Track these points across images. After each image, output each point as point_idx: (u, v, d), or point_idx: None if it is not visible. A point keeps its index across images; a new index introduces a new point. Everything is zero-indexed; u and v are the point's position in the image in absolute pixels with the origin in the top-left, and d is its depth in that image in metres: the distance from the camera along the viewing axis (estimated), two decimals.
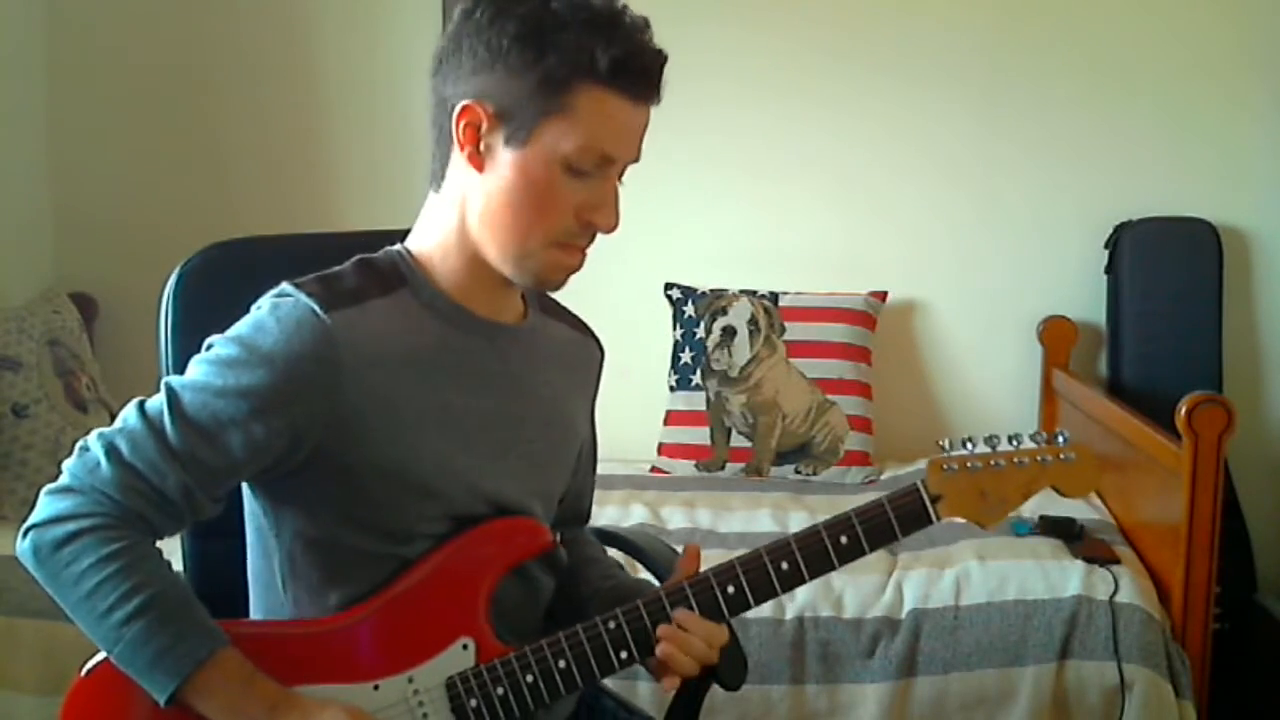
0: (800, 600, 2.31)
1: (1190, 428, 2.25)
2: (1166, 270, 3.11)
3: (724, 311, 3.13)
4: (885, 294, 3.21)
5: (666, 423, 3.16)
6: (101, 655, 1.27)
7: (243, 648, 1.28)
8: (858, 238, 3.27)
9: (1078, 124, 3.18)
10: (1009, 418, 3.26)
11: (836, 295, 3.17)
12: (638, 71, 1.27)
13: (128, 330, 3.26)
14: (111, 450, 1.25)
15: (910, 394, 3.29)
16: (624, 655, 1.34)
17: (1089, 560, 2.37)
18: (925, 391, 3.31)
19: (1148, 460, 2.48)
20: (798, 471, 3.06)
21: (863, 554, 1.37)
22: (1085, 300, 3.22)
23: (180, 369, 1.53)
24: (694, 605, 1.34)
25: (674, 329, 3.19)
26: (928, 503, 1.37)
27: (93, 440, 1.27)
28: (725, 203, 3.27)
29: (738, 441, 3.10)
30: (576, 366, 1.52)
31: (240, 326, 1.29)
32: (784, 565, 1.36)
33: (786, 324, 3.12)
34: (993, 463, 1.38)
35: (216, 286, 1.57)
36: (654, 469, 3.13)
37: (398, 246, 1.39)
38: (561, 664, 1.32)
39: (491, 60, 1.26)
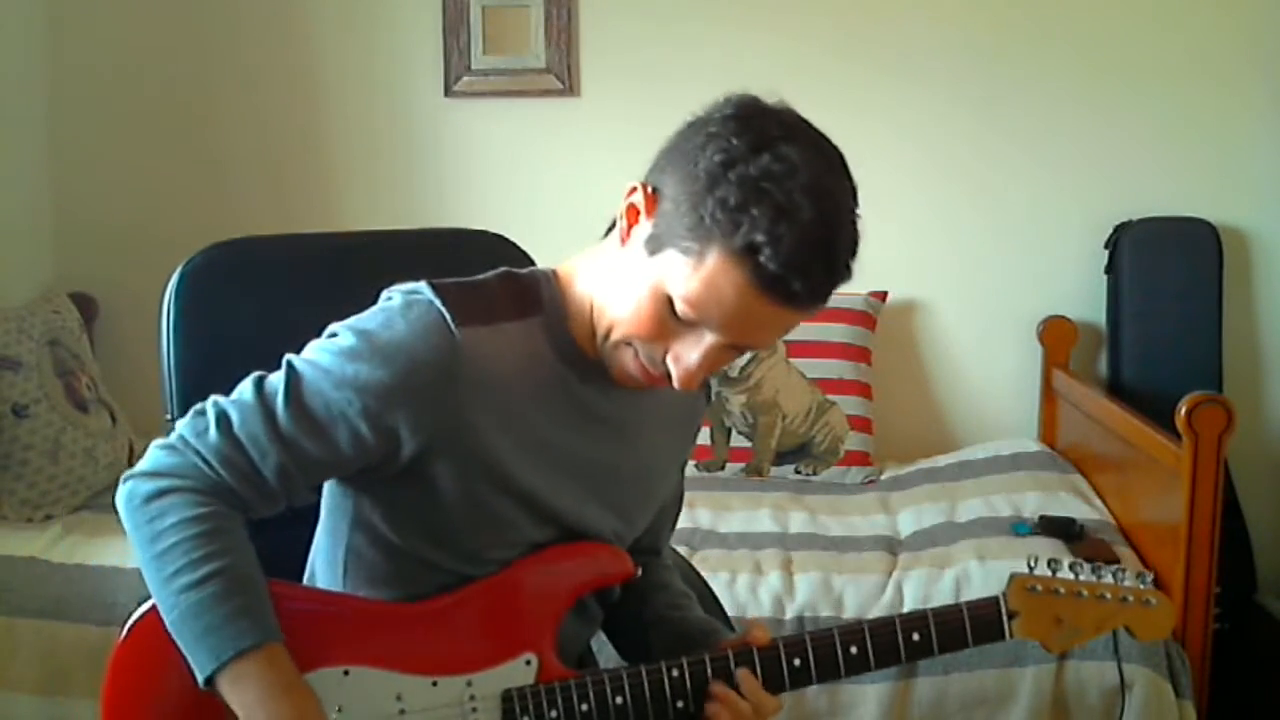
0: (800, 600, 2.31)
1: (1190, 428, 2.25)
2: (1166, 270, 3.11)
3: None
4: (885, 294, 3.21)
5: None
6: (137, 616, 1.27)
7: (315, 616, 1.29)
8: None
9: (1078, 124, 3.18)
10: (1009, 418, 3.26)
11: (837, 295, 3.13)
12: (776, 271, 1.16)
13: (128, 330, 3.26)
14: (222, 418, 1.25)
15: (910, 394, 3.29)
16: (680, 705, 1.33)
17: (1089, 560, 2.37)
18: (925, 391, 3.31)
19: (1148, 460, 2.48)
20: (798, 471, 3.06)
21: (931, 654, 1.38)
22: (1085, 300, 3.22)
23: (181, 369, 1.53)
24: (758, 671, 1.34)
25: None
26: (1005, 618, 1.39)
27: (209, 405, 1.28)
28: None
29: (738, 441, 3.09)
30: (680, 421, 1.49)
31: (368, 318, 1.28)
32: (853, 649, 1.36)
33: None
34: (1077, 592, 1.41)
35: (216, 286, 1.57)
36: None
37: (547, 268, 1.36)
38: (619, 700, 1.32)
39: (683, 166, 1.20)
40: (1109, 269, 3.18)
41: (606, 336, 1.27)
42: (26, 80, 3.26)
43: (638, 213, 1.24)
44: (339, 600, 1.35)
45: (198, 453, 1.25)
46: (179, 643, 1.22)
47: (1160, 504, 2.42)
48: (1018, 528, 2.55)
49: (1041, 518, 2.57)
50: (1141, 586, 1.42)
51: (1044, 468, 2.91)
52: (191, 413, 1.28)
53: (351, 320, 1.28)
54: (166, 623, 1.23)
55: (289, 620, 1.26)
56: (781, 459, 3.07)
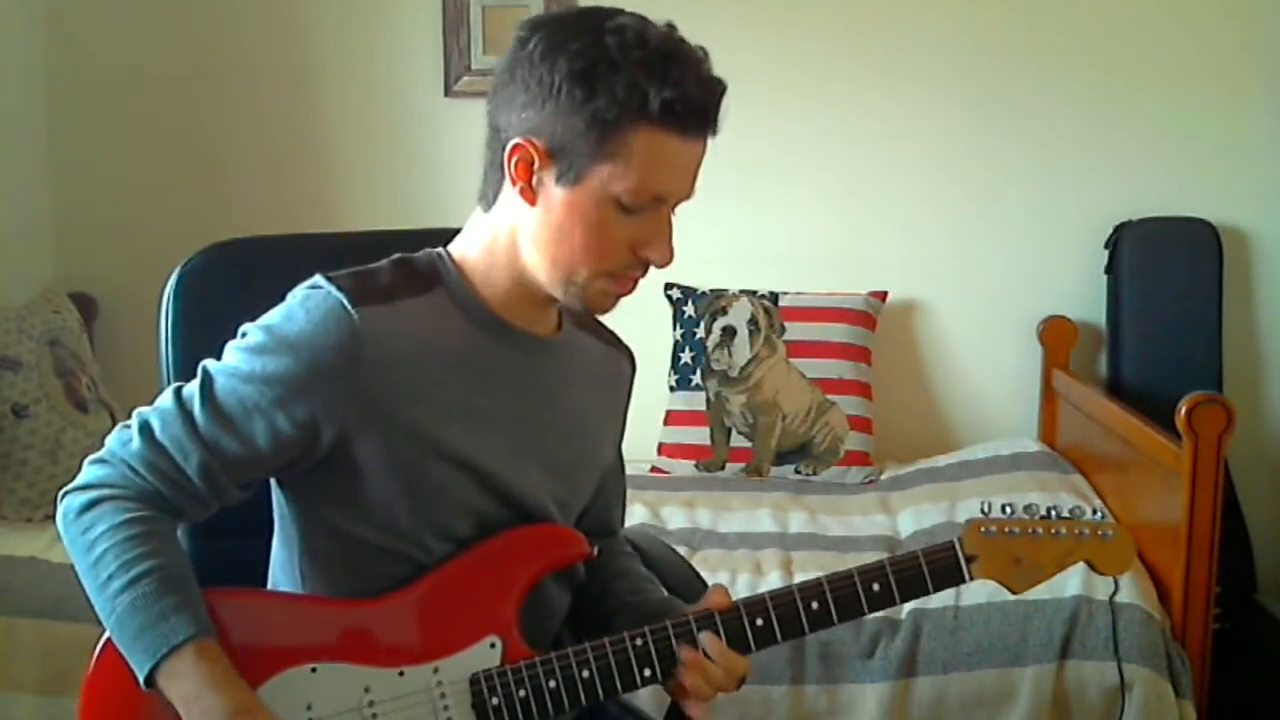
0: None
1: (1190, 428, 2.25)
2: (1166, 270, 3.11)
3: (724, 311, 3.13)
4: (885, 294, 3.21)
5: (666, 423, 3.16)
6: (100, 645, 1.28)
7: (278, 618, 1.31)
8: (858, 238, 3.27)
9: (1078, 124, 3.18)
10: (1009, 418, 3.26)
11: (836, 295, 3.17)
12: (693, 111, 1.25)
13: (128, 330, 3.26)
14: (145, 427, 1.29)
15: (910, 394, 3.29)
16: (647, 673, 1.35)
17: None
18: (925, 391, 3.31)
19: (1148, 460, 2.48)
20: (798, 471, 3.06)
21: (893, 603, 1.40)
22: (1085, 300, 3.22)
23: (180, 369, 1.54)
24: (721, 633, 1.35)
25: (674, 329, 3.19)
26: (962, 561, 1.41)
27: (133, 416, 1.31)
28: (725, 203, 3.27)
29: (738, 441, 3.09)
30: (605, 382, 1.51)
31: (271, 315, 1.31)
32: (814, 605, 1.38)
33: (786, 324, 3.12)
34: (1031, 530, 1.42)
35: (216, 286, 1.57)
36: (654, 469, 3.13)
37: (438, 249, 1.39)
38: (585, 674, 1.33)
39: (543, 97, 1.25)
40: (1109, 269, 3.18)
41: (571, 280, 1.31)
42: (26, 80, 3.26)
43: (529, 166, 1.28)
44: (301, 601, 1.37)
45: (124, 462, 1.28)
46: (120, 648, 1.24)
47: (1160, 504, 2.42)
48: None
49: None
50: (1095, 520, 1.44)
51: (1044, 468, 2.91)
52: (118, 426, 1.32)
53: (258, 320, 1.31)
54: (107, 629, 1.25)
55: (253, 624, 1.29)
56: (781, 459, 3.07)
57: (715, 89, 1.28)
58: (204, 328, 1.54)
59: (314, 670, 1.29)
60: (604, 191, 1.26)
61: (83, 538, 1.26)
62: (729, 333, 3.11)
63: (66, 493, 1.30)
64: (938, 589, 1.41)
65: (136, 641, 1.23)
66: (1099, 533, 1.43)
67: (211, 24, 3.31)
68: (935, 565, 1.40)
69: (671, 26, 1.28)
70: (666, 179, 1.27)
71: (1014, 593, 1.43)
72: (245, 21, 3.30)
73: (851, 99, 3.22)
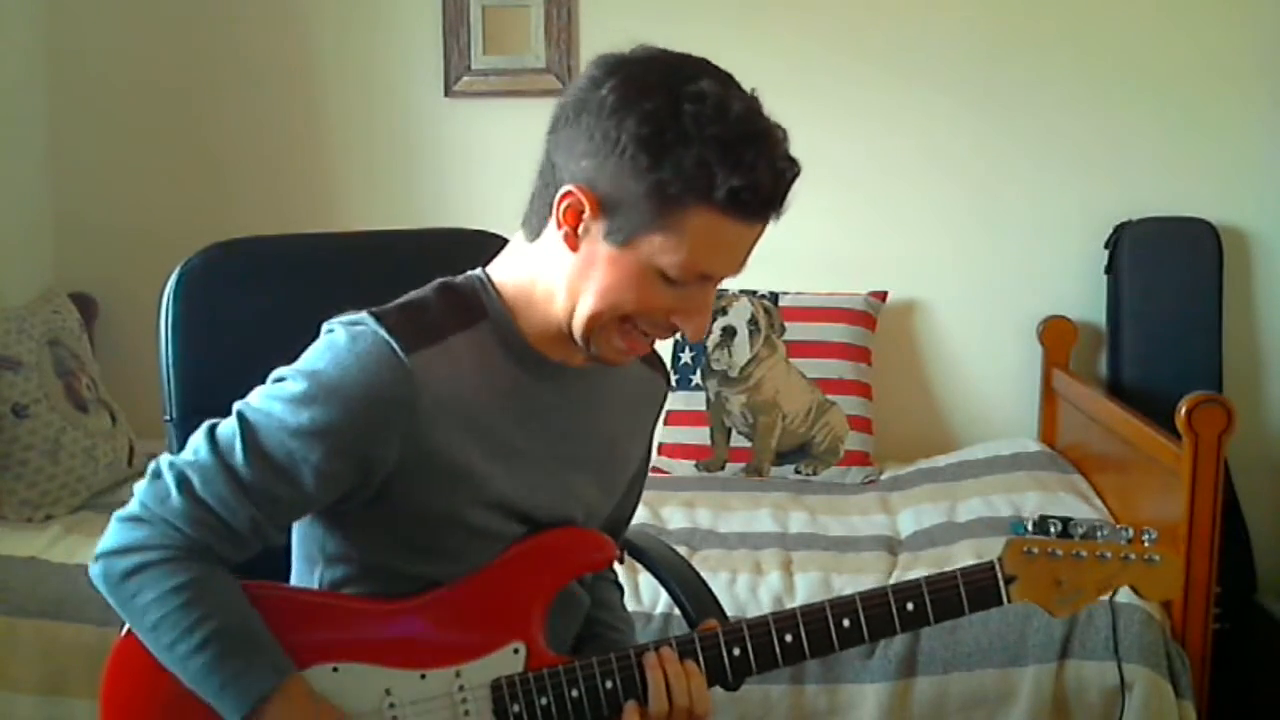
0: (800, 600, 2.31)
1: (1190, 428, 2.25)
2: (1166, 270, 3.11)
3: (724, 311, 3.13)
4: (885, 294, 3.21)
5: (666, 423, 3.15)
6: (122, 633, 1.29)
7: (302, 615, 1.30)
8: (858, 238, 3.27)
9: (1078, 124, 3.18)
10: (1009, 418, 3.26)
11: (836, 295, 3.17)
12: (760, 200, 1.19)
13: (128, 330, 3.26)
14: (183, 482, 1.24)
15: (910, 394, 3.29)
16: None
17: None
18: (925, 391, 3.31)
19: (1148, 460, 2.48)
20: (798, 471, 3.06)
21: (927, 624, 1.37)
22: (1085, 300, 3.22)
23: (181, 369, 1.53)
24: (750, 648, 1.34)
25: None
26: (1001, 583, 1.38)
27: (165, 467, 1.26)
28: None
29: (738, 441, 3.09)
30: (640, 404, 1.49)
31: (315, 358, 1.25)
32: (845, 622, 1.35)
33: (786, 324, 3.12)
34: (1075, 552, 1.38)
35: (216, 286, 1.57)
36: (654, 469, 3.12)
37: (479, 273, 1.35)
38: (608, 684, 1.32)
39: (606, 151, 1.18)
40: (1109, 269, 3.18)
41: (590, 330, 1.27)
42: (26, 80, 3.26)
43: (578, 215, 1.23)
44: (326, 598, 1.36)
45: (164, 520, 1.24)
46: (204, 698, 1.24)
47: (1160, 504, 2.42)
48: (1016, 527, 2.53)
49: (1041, 517, 2.57)
50: (1143, 543, 1.39)
51: (1044, 468, 2.91)
52: (148, 476, 1.27)
53: (298, 364, 1.26)
54: (184, 682, 1.24)
55: (277, 620, 1.27)
56: (781, 459, 3.07)
57: (787, 175, 1.21)
58: (204, 328, 1.55)
59: (335, 670, 1.29)
60: (650, 261, 1.21)
61: (132, 602, 1.24)
62: (729, 333, 3.11)
63: (101, 555, 1.26)
64: (974, 610, 1.37)
65: (222, 696, 1.23)
66: (1145, 557, 1.38)
67: (211, 24, 3.31)
68: (973, 586, 1.37)
69: (755, 97, 1.21)
70: (718, 260, 1.23)
71: (1054, 616, 1.40)
72: (245, 22, 3.30)
73: (852, 99, 3.22)
